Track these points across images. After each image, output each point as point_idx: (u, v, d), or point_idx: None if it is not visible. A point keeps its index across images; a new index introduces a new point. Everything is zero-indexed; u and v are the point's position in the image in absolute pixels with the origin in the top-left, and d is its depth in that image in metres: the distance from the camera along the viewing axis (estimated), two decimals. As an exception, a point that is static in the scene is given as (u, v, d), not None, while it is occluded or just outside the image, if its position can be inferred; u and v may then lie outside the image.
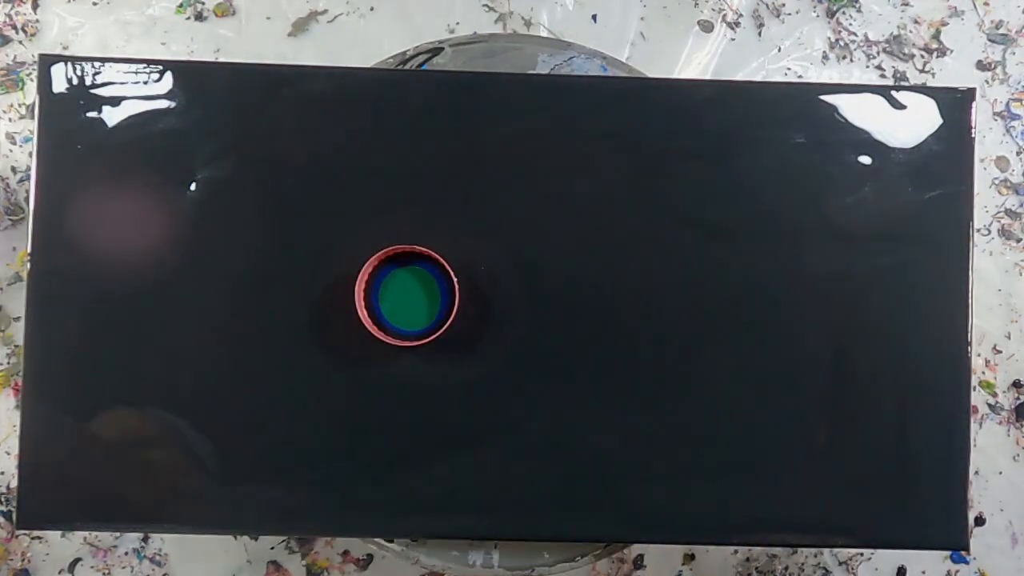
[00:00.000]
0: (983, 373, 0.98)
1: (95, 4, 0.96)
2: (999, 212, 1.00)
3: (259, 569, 0.92)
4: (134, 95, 0.56)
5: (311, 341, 0.56)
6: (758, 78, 0.99)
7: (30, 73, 0.95)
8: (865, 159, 0.57)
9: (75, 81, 0.56)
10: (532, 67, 0.70)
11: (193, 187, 0.56)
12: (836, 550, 0.96)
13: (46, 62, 0.56)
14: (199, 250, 0.56)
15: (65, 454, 0.55)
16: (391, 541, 0.67)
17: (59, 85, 0.56)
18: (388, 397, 0.56)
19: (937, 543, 0.58)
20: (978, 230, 0.99)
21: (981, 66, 1.01)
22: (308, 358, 0.56)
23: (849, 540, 0.58)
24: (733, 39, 1.00)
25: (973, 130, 0.58)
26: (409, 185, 0.57)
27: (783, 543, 0.58)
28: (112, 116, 0.56)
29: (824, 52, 1.00)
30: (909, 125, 0.58)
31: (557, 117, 0.57)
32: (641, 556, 0.95)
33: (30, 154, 0.92)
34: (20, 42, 0.95)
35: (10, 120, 0.94)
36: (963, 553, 0.95)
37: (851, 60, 1.00)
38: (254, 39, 0.97)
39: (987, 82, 1.01)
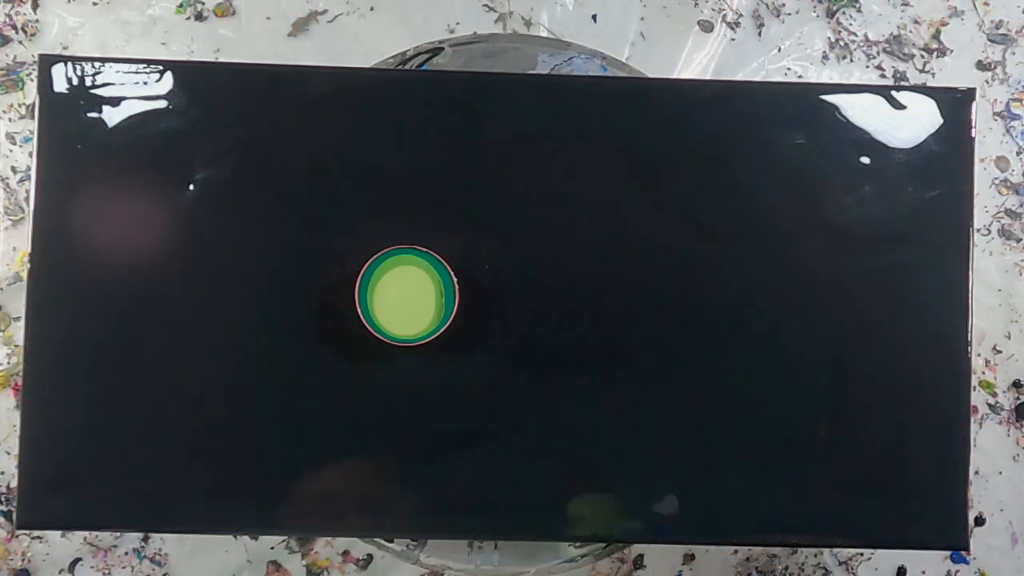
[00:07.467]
0: (983, 373, 0.98)
1: (95, 4, 0.96)
2: (999, 212, 1.00)
3: (259, 569, 0.92)
4: (134, 95, 0.56)
5: (311, 341, 0.56)
6: (758, 78, 0.99)
7: (30, 73, 0.95)
8: (865, 159, 0.57)
9: (75, 81, 0.56)
10: (532, 67, 0.70)
11: (193, 187, 0.56)
12: (836, 550, 0.96)
13: (46, 62, 0.56)
14: (199, 250, 0.56)
15: (65, 454, 0.55)
16: (391, 541, 0.67)
17: (59, 85, 0.56)
18: (387, 397, 0.56)
19: (937, 543, 0.58)
20: (978, 230, 0.99)
21: (981, 66, 1.01)
22: (308, 358, 0.56)
23: (849, 540, 0.58)
24: (733, 39, 1.00)
25: (973, 130, 0.58)
26: (409, 185, 0.57)
27: (783, 543, 0.58)
28: (112, 116, 0.56)
29: (824, 52, 1.00)
30: (909, 125, 0.58)
31: (557, 117, 0.57)
32: (641, 556, 0.95)
33: (30, 154, 0.92)
34: (20, 42, 0.95)
35: (10, 120, 0.94)
36: (963, 553, 0.95)
37: (851, 60, 1.00)
38: (254, 39, 0.97)
39: (987, 82, 1.01)
